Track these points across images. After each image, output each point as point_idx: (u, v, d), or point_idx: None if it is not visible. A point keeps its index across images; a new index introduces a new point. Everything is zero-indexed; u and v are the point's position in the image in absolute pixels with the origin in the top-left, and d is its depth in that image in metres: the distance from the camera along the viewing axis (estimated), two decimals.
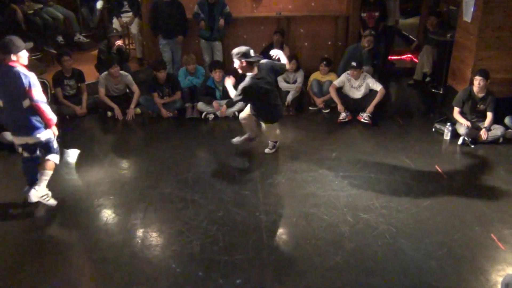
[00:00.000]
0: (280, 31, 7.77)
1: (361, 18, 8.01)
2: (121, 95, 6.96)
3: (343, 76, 6.78)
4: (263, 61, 5.23)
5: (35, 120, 4.34)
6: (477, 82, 5.77)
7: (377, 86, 6.59)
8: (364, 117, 6.50)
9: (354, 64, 6.55)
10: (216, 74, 6.70)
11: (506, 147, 5.80)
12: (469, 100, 5.94)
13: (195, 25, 7.59)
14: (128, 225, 4.38)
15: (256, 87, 5.06)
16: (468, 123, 5.83)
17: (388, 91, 7.57)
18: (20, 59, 4.25)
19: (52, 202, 4.63)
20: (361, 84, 6.69)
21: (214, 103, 6.70)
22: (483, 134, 5.78)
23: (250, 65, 5.05)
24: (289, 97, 6.95)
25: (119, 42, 7.46)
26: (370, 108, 6.52)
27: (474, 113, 5.96)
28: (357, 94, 6.72)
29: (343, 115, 6.54)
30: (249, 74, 5.09)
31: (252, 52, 5.00)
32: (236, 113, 6.79)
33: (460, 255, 3.95)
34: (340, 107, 6.62)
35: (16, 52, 4.20)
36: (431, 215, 4.48)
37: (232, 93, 5.26)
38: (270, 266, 3.86)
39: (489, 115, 5.87)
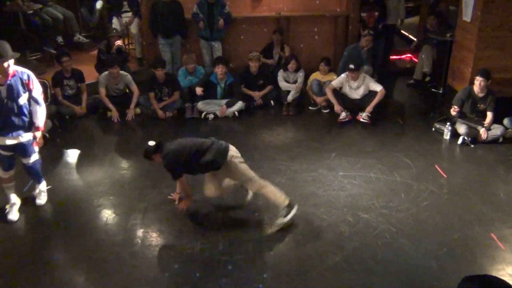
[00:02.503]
0: (279, 30, 7.77)
1: (361, 18, 8.01)
2: (121, 95, 6.96)
3: (342, 77, 6.77)
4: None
5: None
6: (478, 83, 5.76)
7: (377, 87, 6.58)
8: (363, 116, 6.50)
9: (352, 66, 6.53)
10: (219, 70, 6.70)
11: (506, 146, 5.80)
12: (469, 100, 5.94)
13: (195, 25, 7.58)
14: (128, 225, 4.38)
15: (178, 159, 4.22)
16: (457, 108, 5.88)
17: (388, 91, 7.56)
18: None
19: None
20: (359, 86, 6.68)
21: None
22: (483, 133, 5.78)
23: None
24: (289, 97, 6.95)
25: (118, 42, 7.46)
26: (370, 108, 6.51)
27: (474, 113, 5.96)
28: (356, 95, 6.72)
29: (343, 114, 6.53)
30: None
31: (152, 142, 4.25)
32: (236, 113, 6.80)
33: (460, 255, 3.95)
34: (337, 108, 6.61)
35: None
36: (431, 215, 4.48)
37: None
38: (270, 266, 3.86)
39: (489, 114, 5.87)
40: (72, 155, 5.77)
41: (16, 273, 3.81)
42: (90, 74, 7.35)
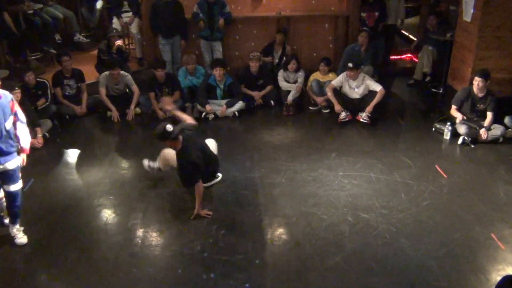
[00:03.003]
0: (283, 31, 7.77)
1: (361, 18, 8.01)
2: (121, 95, 6.96)
3: (341, 76, 6.77)
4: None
5: None
6: (476, 83, 5.76)
7: (377, 87, 6.57)
8: (363, 117, 6.49)
9: (350, 65, 6.53)
10: (217, 72, 6.69)
11: (506, 146, 5.79)
12: (468, 100, 5.94)
13: (195, 25, 7.58)
14: (128, 225, 4.38)
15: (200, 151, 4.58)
16: (462, 116, 5.86)
17: (388, 91, 7.57)
18: None
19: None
20: (359, 85, 6.68)
21: (207, 107, 6.68)
22: (483, 133, 5.77)
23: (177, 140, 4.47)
24: (290, 97, 6.94)
25: (119, 42, 7.46)
26: (369, 108, 6.50)
27: (474, 113, 5.96)
28: (355, 94, 6.71)
29: (343, 114, 6.53)
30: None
31: (170, 127, 4.36)
32: (236, 113, 6.79)
33: (460, 255, 3.95)
34: (337, 107, 6.60)
35: None
36: (431, 215, 4.48)
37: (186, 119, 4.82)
38: (270, 266, 3.86)
39: (489, 115, 5.86)
40: (72, 155, 5.77)
41: (15, 273, 3.81)
42: (90, 74, 7.35)
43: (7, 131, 3.91)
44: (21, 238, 4.18)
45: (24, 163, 4.20)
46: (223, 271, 3.78)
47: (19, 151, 4.10)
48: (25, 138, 4.11)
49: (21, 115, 4.06)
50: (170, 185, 5.02)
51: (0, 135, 3.85)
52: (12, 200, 4.12)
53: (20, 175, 4.13)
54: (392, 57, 8.85)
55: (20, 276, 3.77)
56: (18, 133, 4.05)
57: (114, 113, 6.69)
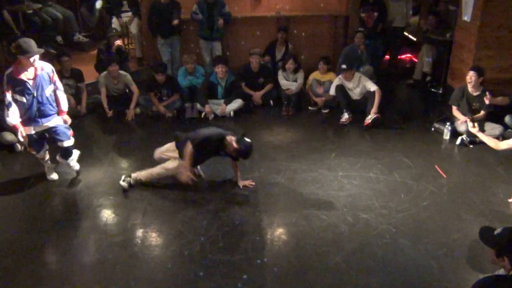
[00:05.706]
0: (284, 29, 7.77)
1: (360, 18, 8.01)
2: (120, 95, 6.96)
3: (338, 79, 6.75)
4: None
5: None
6: (469, 77, 5.75)
7: (372, 87, 6.49)
8: (370, 119, 6.37)
9: (344, 66, 6.50)
10: (219, 69, 6.69)
11: None
12: (463, 99, 5.94)
13: (195, 25, 7.58)
14: (128, 225, 4.38)
15: None
16: (466, 118, 5.83)
17: (388, 91, 7.57)
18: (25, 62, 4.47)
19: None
20: (355, 86, 6.65)
21: (207, 107, 6.68)
22: (469, 124, 5.73)
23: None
24: (293, 88, 6.91)
25: (118, 42, 7.46)
26: (374, 110, 6.41)
27: (471, 112, 5.94)
28: (354, 95, 6.69)
29: (345, 117, 6.50)
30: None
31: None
32: (232, 113, 6.79)
33: (460, 255, 3.95)
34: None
35: (25, 55, 4.40)
36: (431, 215, 4.49)
37: None
38: (270, 266, 3.86)
39: (481, 112, 5.85)
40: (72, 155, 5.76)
41: (15, 273, 3.80)
42: (90, 74, 7.35)
43: (47, 98, 4.68)
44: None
45: (69, 123, 4.99)
46: (223, 271, 3.78)
47: (58, 113, 4.86)
48: (63, 102, 4.89)
49: (59, 84, 4.84)
50: (170, 186, 5.02)
51: (41, 101, 4.62)
52: (66, 155, 5.05)
53: (70, 133, 4.96)
54: (398, 57, 8.85)
55: (19, 277, 3.77)
56: (57, 99, 4.81)
57: (107, 113, 6.71)
